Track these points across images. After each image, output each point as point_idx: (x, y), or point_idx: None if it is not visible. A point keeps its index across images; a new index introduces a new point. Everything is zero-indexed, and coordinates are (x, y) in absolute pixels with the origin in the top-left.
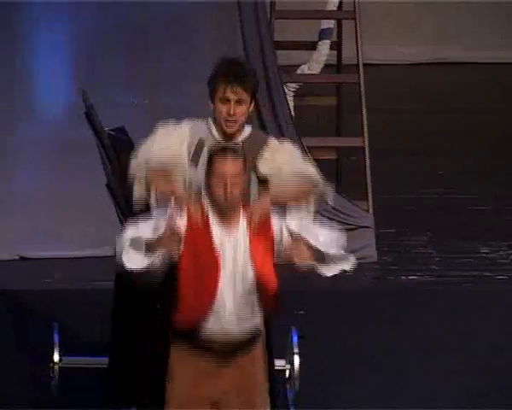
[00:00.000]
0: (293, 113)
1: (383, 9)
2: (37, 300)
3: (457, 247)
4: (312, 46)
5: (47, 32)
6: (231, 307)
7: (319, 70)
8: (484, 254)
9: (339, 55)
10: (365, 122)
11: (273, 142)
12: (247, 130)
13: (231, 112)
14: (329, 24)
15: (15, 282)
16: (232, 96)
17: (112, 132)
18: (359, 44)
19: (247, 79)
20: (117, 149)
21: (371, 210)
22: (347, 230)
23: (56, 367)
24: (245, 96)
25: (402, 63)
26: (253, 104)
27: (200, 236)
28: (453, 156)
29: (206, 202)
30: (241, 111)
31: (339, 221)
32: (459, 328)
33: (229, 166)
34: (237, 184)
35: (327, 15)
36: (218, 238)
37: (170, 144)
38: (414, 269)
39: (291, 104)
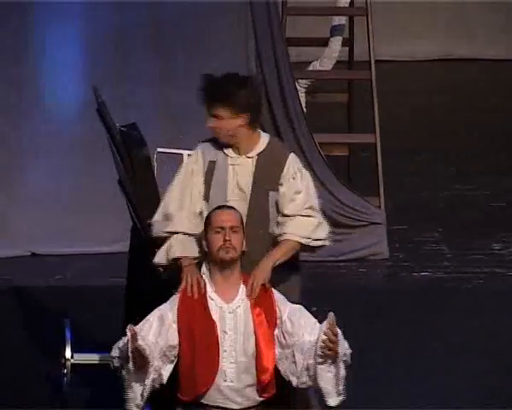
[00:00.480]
0: (304, 109)
1: (395, 5)
2: (50, 296)
3: (469, 243)
4: (324, 43)
5: (58, 28)
6: (233, 378)
7: (331, 66)
8: (496, 251)
9: (350, 52)
10: (377, 119)
11: (293, 161)
12: (264, 140)
13: (220, 126)
14: (341, 20)
15: (27, 278)
16: (217, 114)
17: (123, 129)
18: (371, 41)
19: (226, 96)
20: (128, 145)
21: (383, 207)
22: (359, 226)
23: (68, 364)
24: (229, 112)
25: (414, 60)
26: (247, 116)
27: (197, 316)
28: (467, 154)
29: (204, 271)
30: (232, 125)
31: (350, 217)
32: (476, 326)
33: (227, 216)
34: (236, 234)
35: (338, 12)
36: (217, 313)
37: (185, 194)
38: (426, 266)
39: (303, 100)
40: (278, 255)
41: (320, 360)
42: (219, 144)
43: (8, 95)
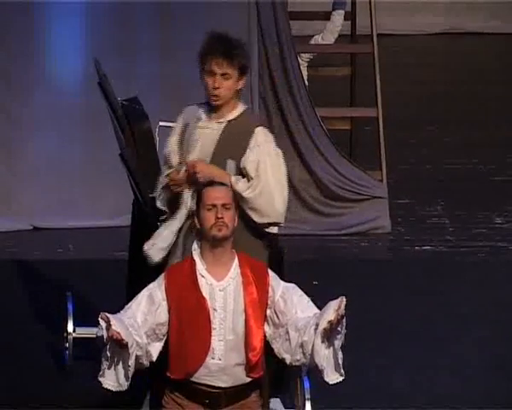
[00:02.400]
0: (306, 83)
1: None
2: (51, 270)
3: (471, 217)
4: (326, 16)
5: (59, 1)
6: (221, 356)
7: (333, 40)
8: (498, 225)
9: (353, 26)
10: (379, 92)
11: (260, 134)
12: (239, 110)
13: (216, 85)
14: None
15: (29, 252)
16: (217, 70)
17: (125, 102)
18: (373, 14)
19: (233, 54)
20: (130, 119)
21: (385, 180)
22: (361, 200)
23: (70, 337)
24: (230, 71)
25: (416, 33)
26: (242, 81)
27: (187, 293)
28: (470, 128)
29: (195, 248)
30: (227, 85)
31: (352, 191)
32: (481, 297)
33: (219, 193)
34: (228, 211)
35: None
36: (207, 290)
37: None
38: (428, 239)
39: (305, 74)
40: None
41: (320, 339)
42: (198, 108)
43: (9, 68)
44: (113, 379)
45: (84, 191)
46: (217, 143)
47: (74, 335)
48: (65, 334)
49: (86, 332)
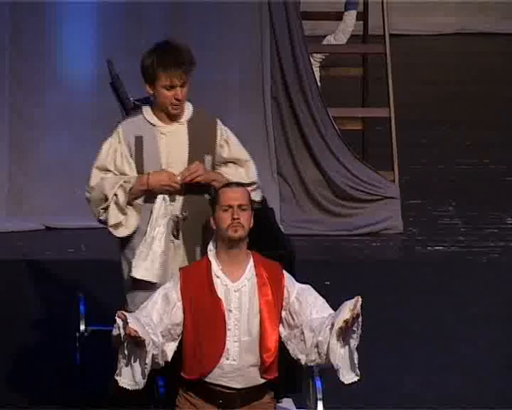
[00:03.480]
0: (319, 83)
1: None
2: (64, 270)
3: (483, 217)
4: (339, 17)
5: (74, 2)
6: (235, 356)
7: (345, 41)
8: (509, 225)
9: (365, 26)
10: (391, 93)
11: (221, 126)
12: (189, 107)
13: (179, 97)
14: None
15: (41, 252)
16: (177, 82)
17: (137, 102)
18: (385, 15)
19: (185, 62)
20: None
21: (397, 181)
22: (373, 200)
23: (82, 338)
24: (187, 78)
25: (428, 34)
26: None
27: (202, 294)
28: (481, 128)
29: (210, 249)
30: (185, 91)
31: (364, 191)
32: (493, 297)
33: (235, 194)
34: (244, 212)
35: None
36: (223, 291)
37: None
38: (440, 240)
39: (317, 75)
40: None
41: (335, 339)
42: (140, 118)
43: (21, 68)
44: (129, 378)
45: None
46: (188, 142)
47: (86, 335)
48: (76, 334)
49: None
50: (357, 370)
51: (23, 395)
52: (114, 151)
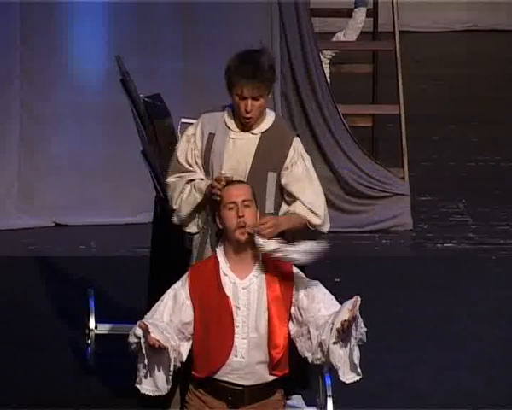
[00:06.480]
0: (328, 80)
1: None
2: (74, 267)
3: (494, 214)
4: (348, 13)
5: (85, 0)
6: (244, 354)
7: (355, 37)
8: None
9: (375, 23)
10: (401, 89)
11: (298, 145)
12: (270, 118)
13: (248, 109)
14: None
15: (51, 249)
16: (247, 94)
17: (147, 99)
18: (395, 12)
19: (263, 78)
20: (152, 116)
21: (407, 177)
22: (383, 197)
23: (92, 334)
24: (261, 92)
25: (438, 30)
26: (270, 94)
27: (210, 291)
28: (491, 125)
29: (219, 249)
30: (258, 105)
31: (374, 188)
32: (504, 295)
33: (238, 190)
34: (249, 208)
35: None
36: (231, 288)
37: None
38: (450, 237)
39: (327, 71)
40: (285, 222)
41: (334, 339)
42: (221, 115)
43: (32, 66)
44: (151, 385)
45: (106, 188)
46: (254, 155)
47: (96, 331)
48: (87, 331)
49: (108, 329)
50: (359, 369)
51: (34, 393)
52: (188, 143)
